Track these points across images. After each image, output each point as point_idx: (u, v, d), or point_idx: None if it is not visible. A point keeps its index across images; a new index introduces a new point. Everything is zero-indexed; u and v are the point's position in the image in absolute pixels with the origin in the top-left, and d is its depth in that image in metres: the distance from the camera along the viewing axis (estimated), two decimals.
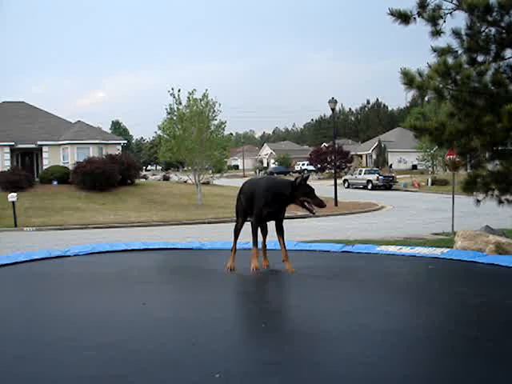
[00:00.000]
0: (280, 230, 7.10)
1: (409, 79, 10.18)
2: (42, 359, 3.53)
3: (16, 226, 20.74)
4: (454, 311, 4.95)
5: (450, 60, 10.30)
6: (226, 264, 7.29)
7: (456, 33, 10.52)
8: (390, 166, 62.94)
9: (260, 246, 7.43)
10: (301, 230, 15.69)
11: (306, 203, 6.84)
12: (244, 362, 3.47)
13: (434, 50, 10.66)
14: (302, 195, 6.81)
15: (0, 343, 3.94)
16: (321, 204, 6.80)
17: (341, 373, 3.17)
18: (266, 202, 6.90)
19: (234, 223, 7.70)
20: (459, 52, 10.59)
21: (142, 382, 3.01)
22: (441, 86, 10.09)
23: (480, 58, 10.61)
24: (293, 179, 7.08)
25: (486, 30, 10.45)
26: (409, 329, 4.23)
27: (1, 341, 4.01)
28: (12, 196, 21.46)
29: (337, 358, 3.47)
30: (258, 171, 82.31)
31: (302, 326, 4.44)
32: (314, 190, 6.93)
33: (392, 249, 8.94)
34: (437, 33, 10.62)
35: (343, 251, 8.76)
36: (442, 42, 10.71)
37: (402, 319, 4.58)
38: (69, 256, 8.28)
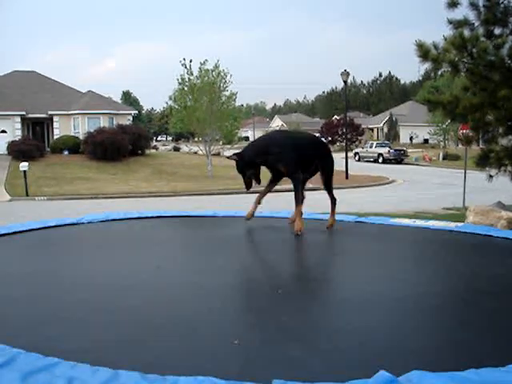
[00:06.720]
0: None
1: (424, 52, 10.06)
2: (60, 320, 3.57)
3: (27, 195, 20.94)
4: (471, 280, 4.94)
5: (467, 32, 10.15)
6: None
7: (473, 4, 10.34)
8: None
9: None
10: (311, 203, 15.68)
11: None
12: (262, 328, 3.48)
13: (450, 22, 10.48)
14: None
15: (18, 305, 3.99)
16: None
17: (361, 340, 3.20)
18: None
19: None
20: (476, 24, 10.42)
21: (161, 347, 3.05)
22: (456, 59, 9.97)
23: (497, 31, 10.43)
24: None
25: (505, 2, 10.27)
26: (428, 295, 4.25)
27: (19, 302, 4.05)
28: (23, 165, 21.61)
29: (355, 326, 3.49)
30: None
31: (318, 292, 4.46)
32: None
33: (406, 221, 8.89)
34: (453, 4, 10.43)
35: (357, 221, 8.74)
36: (458, 13, 10.53)
37: (420, 287, 4.58)
38: (82, 223, 8.32)
